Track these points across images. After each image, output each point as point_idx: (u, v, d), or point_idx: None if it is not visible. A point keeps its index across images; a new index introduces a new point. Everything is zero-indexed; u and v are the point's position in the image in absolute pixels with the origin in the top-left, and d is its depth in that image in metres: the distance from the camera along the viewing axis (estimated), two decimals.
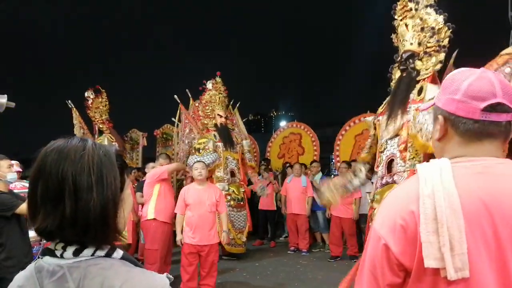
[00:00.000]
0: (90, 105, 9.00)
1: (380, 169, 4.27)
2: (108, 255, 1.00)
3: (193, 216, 5.21)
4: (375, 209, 4.08)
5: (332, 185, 4.50)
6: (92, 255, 0.99)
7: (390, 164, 4.22)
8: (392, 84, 4.47)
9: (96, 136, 9.08)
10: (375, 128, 4.61)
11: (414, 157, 3.90)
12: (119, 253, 1.03)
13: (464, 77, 1.15)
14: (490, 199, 1.04)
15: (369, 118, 4.87)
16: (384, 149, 4.27)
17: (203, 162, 5.65)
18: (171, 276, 1.05)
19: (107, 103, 9.17)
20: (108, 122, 9.13)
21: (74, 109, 9.08)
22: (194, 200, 5.24)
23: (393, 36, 4.53)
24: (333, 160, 10.98)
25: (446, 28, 4.12)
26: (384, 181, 4.15)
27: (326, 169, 11.70)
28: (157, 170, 5.95)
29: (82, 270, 0.96)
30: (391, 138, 4.21)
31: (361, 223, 7.74)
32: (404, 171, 3.97)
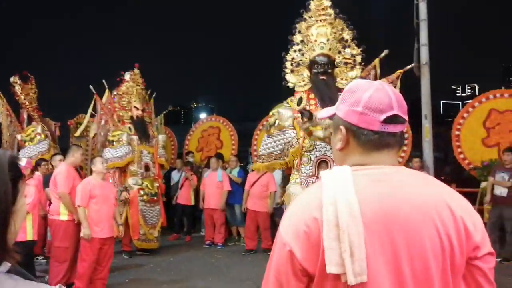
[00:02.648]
0: (20, 92, 8.29)
1: (308, 168, 4.37)
2: None
3: (100, 209, 5.12)
4: None
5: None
6: None
7: (318, 165, 4.34)
8: (299, 80, 4.57)
9: (25, 124, 8.44)
10: (294, 127, 4.56)
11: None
12: (5, 266, 0.92)
13: (363, 90, 1.19)
14: (387, 206, 1.08)
15: (287, 112, 4.60)
16: (313, 149, 4.37)
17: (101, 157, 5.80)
18: (64, 287, 0.98)
19: (36, 90, 8.54)
20: (38, 110, 8.47)
21: (1, 96, 8.43)
22: (100, 193, 5.15)
23: (300, 31, 4.61)
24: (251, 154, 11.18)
25: (354, 45, 4.40)
26: (314, 180, 4.25)
27: (244, 162, 11.80)
28: (57, 181, 5.49)
29: None
30: (322, 140, 4.32)
31: (276, 217, 7.93)
32: None
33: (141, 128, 7.71)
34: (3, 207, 0.90)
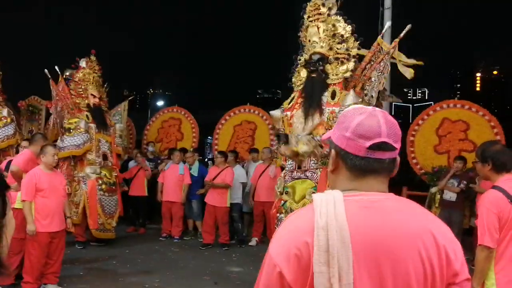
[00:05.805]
0: None
1: (290, 163, 4.48)
2: None
3: (49, 202, 4.89)
4: (285, 201, 4.30)
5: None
6: None
7: None
8: (296, 81, 4.70)
9: None
10: (282, 121, 4.74)
11: (326, 156, 4.17)
12: None
13: (355, 115, 1.24)
14: (375, 233, 1.15)
15: (276, 112, 4.92)
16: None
17: (54, 146, 5.50)
18: None
19: (1, 72, 8.08)
20: (2, 93, 8.02)
21: None
22: (49, 185, 4.91)
23: (301, 34, 4.74)
24: (209, 144, 11.19)
25: (353, 39, 4.50)
26: (295, 175, 4.36)
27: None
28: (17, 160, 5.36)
29: None
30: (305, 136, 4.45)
31: (233, 212, 7.99)
32: (317, 168, 4.23)
33: (98, 116, 7.58)
34: None
